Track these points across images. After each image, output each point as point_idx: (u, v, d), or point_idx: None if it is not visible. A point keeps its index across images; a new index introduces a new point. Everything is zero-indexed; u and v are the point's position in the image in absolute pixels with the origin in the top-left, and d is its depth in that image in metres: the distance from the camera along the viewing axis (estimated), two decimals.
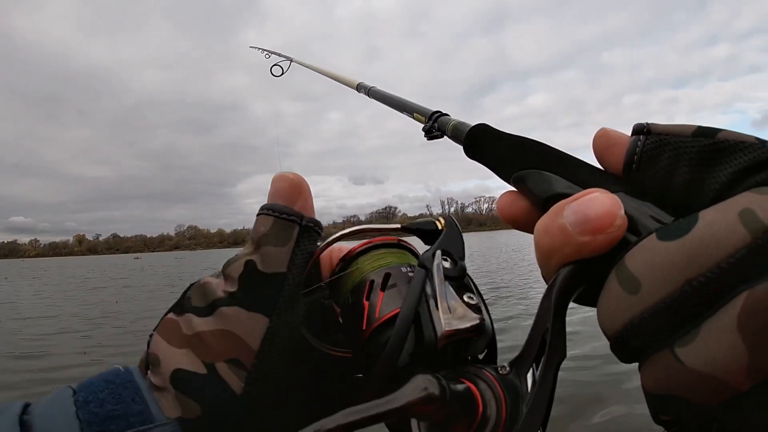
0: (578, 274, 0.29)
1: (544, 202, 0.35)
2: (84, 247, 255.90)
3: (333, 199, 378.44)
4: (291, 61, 1.96)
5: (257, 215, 0.44)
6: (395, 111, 0.87)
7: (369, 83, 1.11)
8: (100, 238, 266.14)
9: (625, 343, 0.25)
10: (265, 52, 2.18)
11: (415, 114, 0.75)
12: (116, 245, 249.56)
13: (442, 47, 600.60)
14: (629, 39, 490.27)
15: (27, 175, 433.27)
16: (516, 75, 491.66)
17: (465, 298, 0.35)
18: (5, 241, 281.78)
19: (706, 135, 0.30)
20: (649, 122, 0.33)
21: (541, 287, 0.29)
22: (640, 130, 0.33)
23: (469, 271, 0.38)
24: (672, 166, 0.31)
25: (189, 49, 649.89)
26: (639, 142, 0.32)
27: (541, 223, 0.30)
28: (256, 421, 0.38)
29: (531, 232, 0.34)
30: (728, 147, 0.29)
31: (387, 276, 0.42)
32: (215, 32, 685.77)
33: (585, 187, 0.31)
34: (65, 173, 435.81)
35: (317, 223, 0.44)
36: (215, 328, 0.39)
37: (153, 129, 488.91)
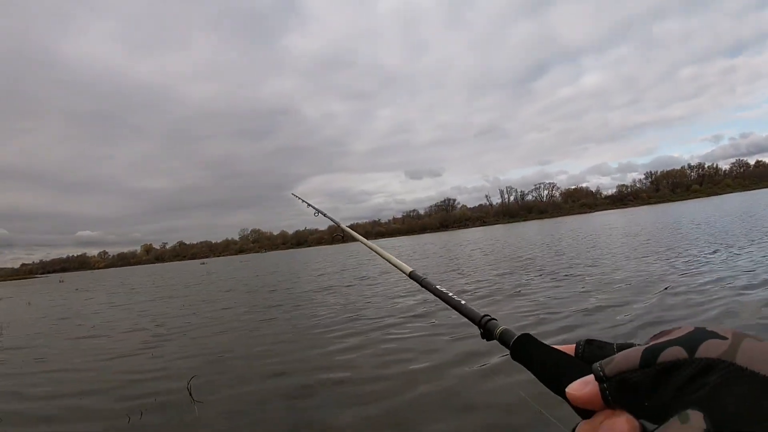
0: None
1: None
2: (152, 255, 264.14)
3: (391, 195, 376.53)
4: (338, 225, 2.35)
5: None
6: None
7: (421, 273, 1.18)
8: (167, 246, 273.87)
9: None
10: (305, 203, 2.87)
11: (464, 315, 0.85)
12: (183, 252, 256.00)
13: (487, 34, 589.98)
14: (679, 8, 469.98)
15: (89, 192, 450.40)
16: (566, 56, 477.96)
17: None
18: (75, 255, 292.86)
19: (649, 363, 0.43)
20: (603, 365, 0.46)
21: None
22: (599, 377, 0.46)
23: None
24: (635, 394, 0.42)
25: (235, 58, 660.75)
26: (606, 392, 0.45)
27: None
28: None
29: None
30: (667, 368, 0.41)
31: None
32: (259, 39, 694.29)
33: None
34: (126, 187, 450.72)
35: None
36: None
37: (208, 139, 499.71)
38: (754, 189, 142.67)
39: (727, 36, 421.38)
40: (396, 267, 1.33)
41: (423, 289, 1.06)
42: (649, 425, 0.41)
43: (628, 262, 12.93)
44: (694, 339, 0.42)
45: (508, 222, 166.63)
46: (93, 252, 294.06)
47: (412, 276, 1.21)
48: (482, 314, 0.79)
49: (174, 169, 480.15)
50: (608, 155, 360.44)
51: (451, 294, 0.95)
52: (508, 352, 0.63)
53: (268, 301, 13.93)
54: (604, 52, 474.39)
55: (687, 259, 12.17)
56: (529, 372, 0.56)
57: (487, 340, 0.75)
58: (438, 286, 1.00)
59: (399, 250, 44.40)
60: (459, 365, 5.44)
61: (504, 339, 0.68)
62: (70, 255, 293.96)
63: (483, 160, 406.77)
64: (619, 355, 0.46)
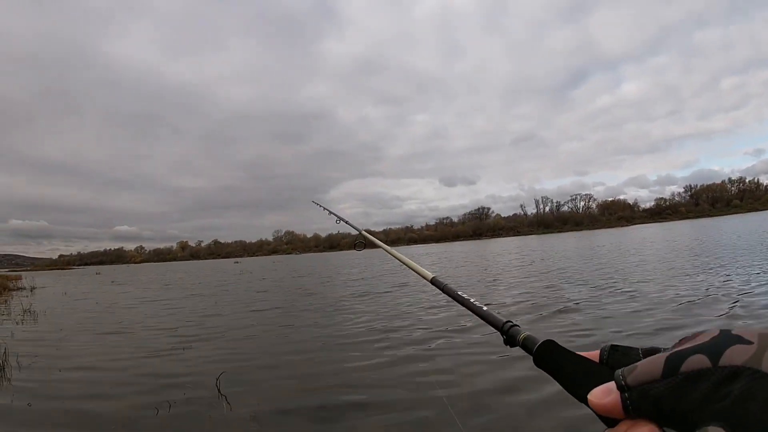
0: None
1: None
2: (187, 252, 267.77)
3: (425, 201, 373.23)
4: (360, 232, 2.40)
5: None
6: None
7: (443, 279, 1.19)
8: (202, 244, 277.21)
9: None
10: (327, 211, 3.13)
11: (486, 320, 0.85)
12: (217, 250, 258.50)
13: (524, 40, 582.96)
14: (720, 16, 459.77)
15: (128, 189, 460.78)
16: (605, 63, 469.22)
17: None
18: (112, 248, 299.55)
19: (672, 371, 0.42)
20: (625, 374, 0.46)
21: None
22: (621, 387, 0.45)
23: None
24: (658, 405, 0.42)
25: (271, 62, 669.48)
26: (627, 401, 0.44)
27: None
28: None
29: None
30: (690, 378, 0.40)
31: None
32: (295, 44, 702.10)
33: None
34: (164, 186, 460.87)
35: None
36: None
37: (245, 141, 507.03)
38: None
39: None
40: (418, 273, 1.36)
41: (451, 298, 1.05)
42: None
43: (680, 279, 12.33)
44: (718, 345, 0.41)
45: (543, 233, 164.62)
46: (130, 246, 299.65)
47: (433, 282, 1.23)
48: (504, 320, 0.79)
49: (211, 170, 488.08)
50: (647, 167, 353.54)
51: (472, 300, 0.94)
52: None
53: (302, 305, 13.80)
54: (643, 61, 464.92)
55: (743, 277, 11.56)
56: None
57: (510, 346, 0.75)
58: (459, 292, 1.01)
59: (432, 257, 44.09)
60: (508, 393, 4.91)
61: (527, 345, 0.67)
62: (108, 248, 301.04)
63: (518, 169, 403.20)
64: (642, 364, 0.46)
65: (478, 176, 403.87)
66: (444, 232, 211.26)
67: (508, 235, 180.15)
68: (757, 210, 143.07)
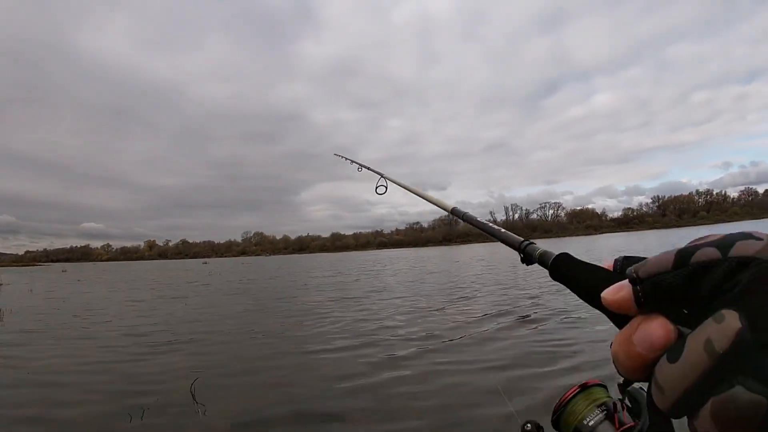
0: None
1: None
2: (155, 251, 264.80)
3: (395, 206, 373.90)
4: (382, 177, 2.49)
5: None
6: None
7: (462, 209, 1.29)
8: (170, 244, 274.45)
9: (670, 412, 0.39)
10: (349, 161, 3.11)
11: (505, 243, 0.91)
12: (185, 250, 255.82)
13: (501, 49, 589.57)
14: (693, 32, 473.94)
15: (97, 184, 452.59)
16: (578, 75, 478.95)
17: None
18: (79, 246, 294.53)
19: (683, 263, 0.41)
20: (637, 268, 0.44)
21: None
22: (633, 279, 0.44)
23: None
24: (669, 296, 0.42)
25: (247, 61, 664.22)
26: (639, 294, 0.43)
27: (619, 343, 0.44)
28: None
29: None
30: (701, 269, 0.40)
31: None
32: (272, 44, 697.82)
33: None
34: (134, 182, 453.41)
35: None
36: None
37: (218, 139, 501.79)
38: (763, 218, 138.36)
39: (741, 62, 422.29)
40: (439, 206, 1.46)
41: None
42: (686, 330, 0.40)
43: None
44: (729, 240, 0.41)
45: None
46: (97, 244, 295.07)
47: (453, 212, 1.32)
48: (522, 239, 0.82)
49: (182, 168, 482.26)
50: (616, 177, 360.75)
51: (491, 224, 1.00)
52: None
53: (275, 309, 13.55)
54: (616, 73, 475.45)
55: None
56: None
57: (528, 264, 0.76)
58: (478, 218, 1.10)
59: (409, 261, 44.01)
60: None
61: (543, 260, 0.69)
62: (74, 245, 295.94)
63: (489, 176, 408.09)
64: (653, 258, 0.45)
65: (449, 182, 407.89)
66: (414, 237, 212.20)
67: (477, 241, 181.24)
68: (723, 222, 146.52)
